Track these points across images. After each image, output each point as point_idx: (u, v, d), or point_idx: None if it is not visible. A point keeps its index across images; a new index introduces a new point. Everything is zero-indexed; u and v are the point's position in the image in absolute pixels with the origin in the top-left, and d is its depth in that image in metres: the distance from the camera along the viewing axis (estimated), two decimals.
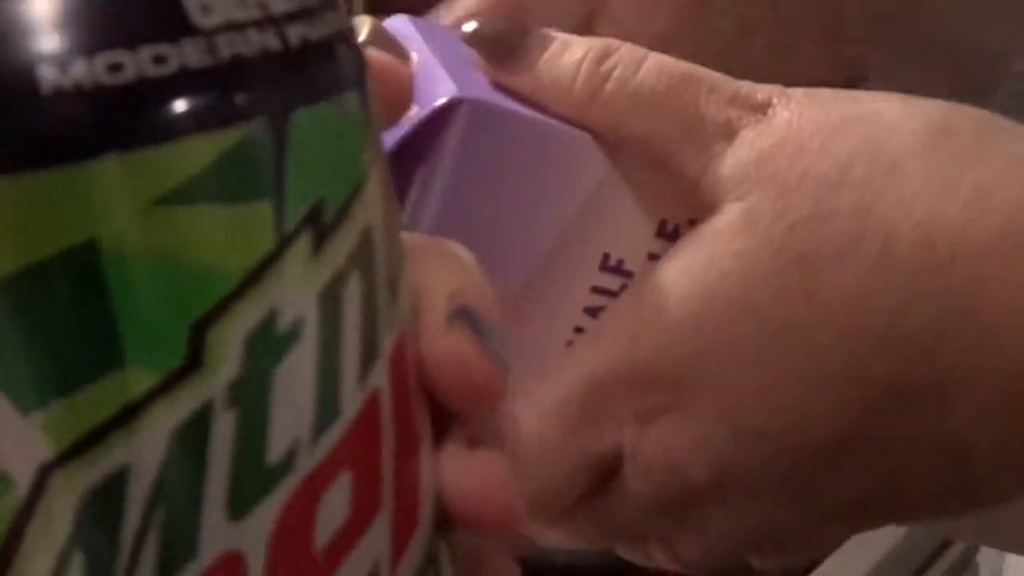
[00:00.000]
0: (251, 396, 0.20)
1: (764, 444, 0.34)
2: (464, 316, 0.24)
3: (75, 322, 0.19)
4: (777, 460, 0.34)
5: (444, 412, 0.25)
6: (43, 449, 0.20)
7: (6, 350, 0.19)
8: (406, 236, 0.24)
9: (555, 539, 0.38)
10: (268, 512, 0.21)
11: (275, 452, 0.21)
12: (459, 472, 0.24)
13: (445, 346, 0.24)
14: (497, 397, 0.24)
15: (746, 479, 0.35)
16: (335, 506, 0.22)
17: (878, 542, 0.91)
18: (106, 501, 0.20)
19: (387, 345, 0.23)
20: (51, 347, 0.19)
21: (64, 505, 0.20)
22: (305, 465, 0.21)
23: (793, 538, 0.37)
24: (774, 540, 0.37)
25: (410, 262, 0.24)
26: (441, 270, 0.25)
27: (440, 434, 0.25)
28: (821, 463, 0.35)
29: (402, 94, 0.27)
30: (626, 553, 0.39)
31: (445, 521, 0.24)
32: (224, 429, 0.20)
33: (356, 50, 0.23)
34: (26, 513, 0.20)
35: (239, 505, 0.20)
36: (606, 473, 0.36)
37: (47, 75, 0.19)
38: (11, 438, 0.19)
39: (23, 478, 0.20)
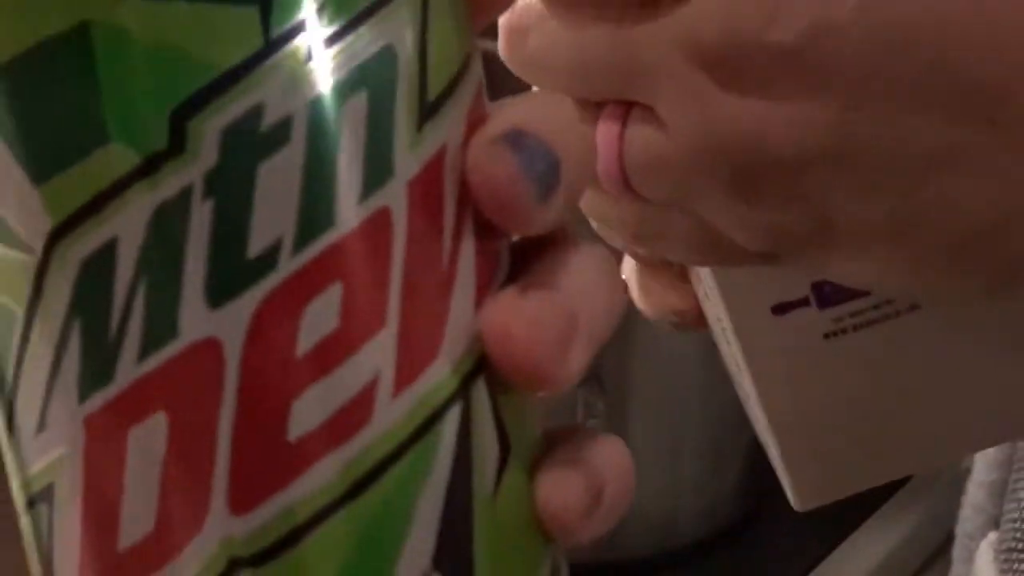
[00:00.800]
0: (230, 188, 0.21)
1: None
2: (514, 137, 0.24)
3: (71, 99, 0.21)
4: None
5: (515, 258, 0.25)
6: (48, 220, 0.22)
7: (20, 122, 0.21)
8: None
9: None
10: (246, 306, 0.22)
11: (254, 247, 0.22)
12: (502, 312, 0.24)
13: (479, 157, 0.24)
14: (524, 218, 0.24)
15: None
16: (322, 315, 0.22)
17: (878, 544, 0.90)
18: (96, 273, 0.22)
19: (409, 167, 0.23)
20: (52, 121, 0.21)
21: (65, 274, 0.22)
22: (288, 267, 0.22)
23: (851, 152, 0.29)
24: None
25: (500, 106, 0.25)
26: (521, 103, 0.25)
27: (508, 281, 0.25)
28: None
29: None
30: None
31: (488, 365, 0.24)
32: (203, 215, 0.21)
33: None
34: (40, 277, 0.22)
35: (217, 293, 0.22)
36: None
37: None
38: (27, 209, 0.22)
39: (37, 246, 0.22)
